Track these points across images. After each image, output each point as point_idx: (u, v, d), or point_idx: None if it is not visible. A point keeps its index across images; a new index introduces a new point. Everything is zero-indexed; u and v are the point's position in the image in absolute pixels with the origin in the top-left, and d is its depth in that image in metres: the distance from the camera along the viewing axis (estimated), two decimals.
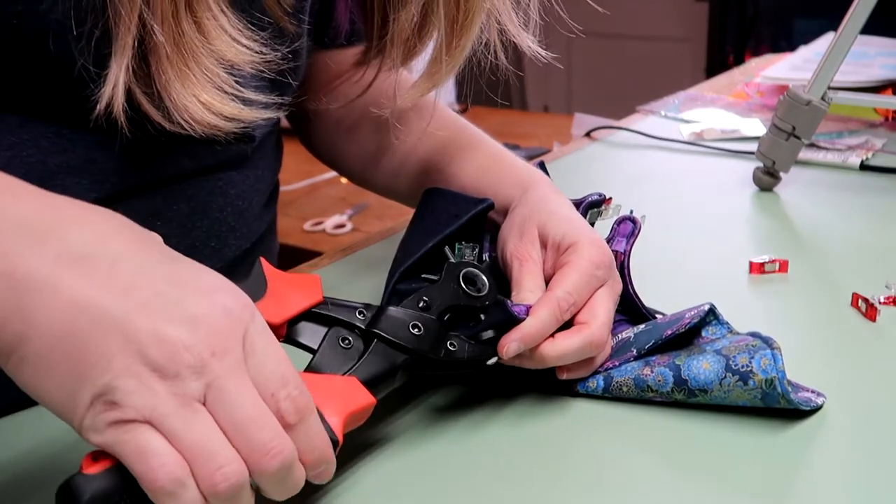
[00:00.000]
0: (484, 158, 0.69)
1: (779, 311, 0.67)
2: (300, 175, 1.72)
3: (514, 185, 0.65)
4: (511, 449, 0.51)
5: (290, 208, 1.62)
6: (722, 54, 2.73)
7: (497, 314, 0.52)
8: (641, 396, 0.54)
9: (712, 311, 0.57)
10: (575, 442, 0.52)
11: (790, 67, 1.34)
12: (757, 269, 0.73)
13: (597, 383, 0.55)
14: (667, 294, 0.65)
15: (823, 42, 1.42)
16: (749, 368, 0.51)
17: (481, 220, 0.62)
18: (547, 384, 0.55)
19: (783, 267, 0.73)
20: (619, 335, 0.58)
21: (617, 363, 0.55)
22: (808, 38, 1.47)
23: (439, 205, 0.63)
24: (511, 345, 0.51)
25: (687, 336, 0.56)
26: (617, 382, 0.54)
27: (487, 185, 0.66)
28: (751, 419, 0.52)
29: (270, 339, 0.40)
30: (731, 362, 0.51)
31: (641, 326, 0.58)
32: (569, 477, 0.49)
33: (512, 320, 0.51)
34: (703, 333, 0.57)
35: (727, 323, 0.57)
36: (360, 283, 0.74)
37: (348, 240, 1.38)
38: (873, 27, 0.94)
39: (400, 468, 0.50)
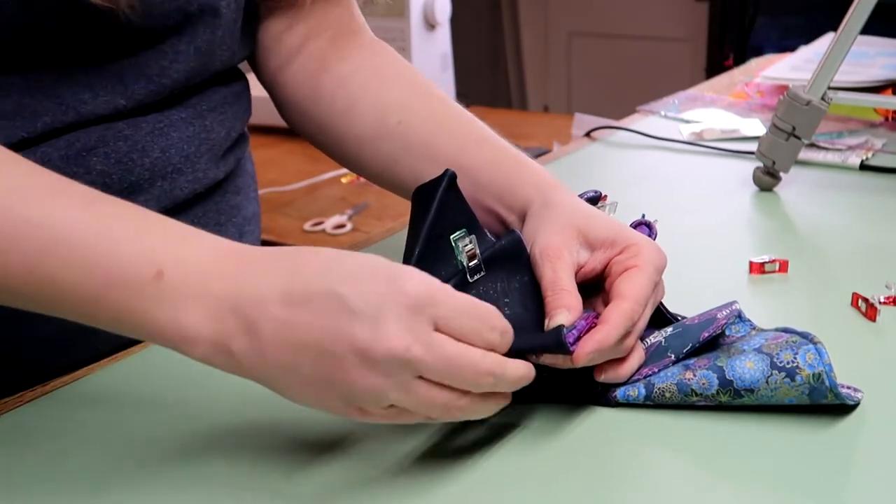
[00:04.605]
0: (496, 152, 0.66)
1: (779, 311, 0.67)
2: (300, 175, 1.71)
3: (531, 185, 0.63)
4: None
5: (290, 208, 1.62)
6: (722, 54, 2.73)
7: (547, 339, 0.51)
8: (685, 401, 0.53)
9: (738, 314, 0.57)
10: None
11: (790, 67, 1.34)
12: (757, 269, 0.73)
13: (638, 391, 0.54)
14: (667, 294, 0.65)
15: (823, 42, 1.41)
16: (795, 364, 0.51)
17: (461, 198, 0.59)
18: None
19: (783, 267, 0.73)
20: (648, 339, 0.58)
21: (656, 369, 0.55)
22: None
23: (418, 201, 0.60)
24: (589, 355, 0.51)
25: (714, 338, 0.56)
26: (659, 389, 0.54)
27: (501, 180, 0.64)
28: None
29: (455, 304, 0.46)
30: (775, 360, 0.51)
31: (669, 330, 0.58)
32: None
33: (560, 347, 0.50)
34: (727, 332, 0.57)
35: (749, 320, 0.58)
36: None
37: (348, 240, 1.38)
38: (873, 27, 0.94)
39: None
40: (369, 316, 0.44)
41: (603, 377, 0.54)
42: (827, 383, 0.50)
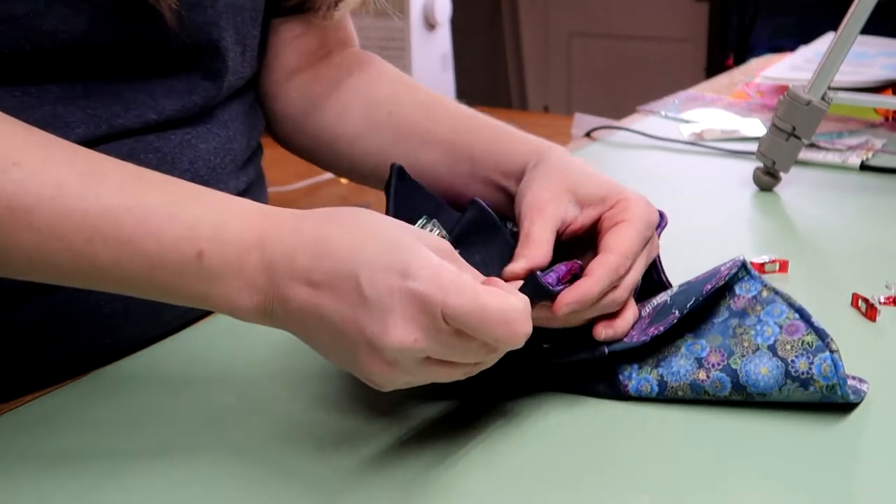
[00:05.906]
0: (488, 128, 0.67)
1: None
2: (300, 175, 1.72)
3: (527, 149, 0.63)
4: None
5: (291, 208, 1.63)
6: (722, 54, 2.73)
7: (527, 287, 0.51)
8: (697, 398, 0.54)
9: (744, 266, 0.57)
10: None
11: (790, 67, 1.34)
12: (757, 269, 0.72)
13: (650, 387, 0.54)
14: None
15: (823, 42, 1.42)
16: (809, 374, 0.51)
17: (416, 185, 0.60)
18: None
19: (783, 267, 0.73)
20: (654, 300, 0.58)
21: (661, 328, 0.54)
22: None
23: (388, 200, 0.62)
24: (569, 305, 0.51)
25: (720, 294, 0.56)
26: (672, 387, 0.54)
27: (496, 149, 0.64)
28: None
29: (462, 305, 0.45)
30: (790, 368, 0.51)
31: (675, 289, 0.58)
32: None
33: (543, 292, 0.51)
34: (737, 291, 0.57)
35: (759, 277, 0.57)
36: None
37: None
38: (873, 27, 0.94)
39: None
40: (378, 309, 0.45)
41: (603, 335, 0.54)
42: (839, 393, 0.51)
